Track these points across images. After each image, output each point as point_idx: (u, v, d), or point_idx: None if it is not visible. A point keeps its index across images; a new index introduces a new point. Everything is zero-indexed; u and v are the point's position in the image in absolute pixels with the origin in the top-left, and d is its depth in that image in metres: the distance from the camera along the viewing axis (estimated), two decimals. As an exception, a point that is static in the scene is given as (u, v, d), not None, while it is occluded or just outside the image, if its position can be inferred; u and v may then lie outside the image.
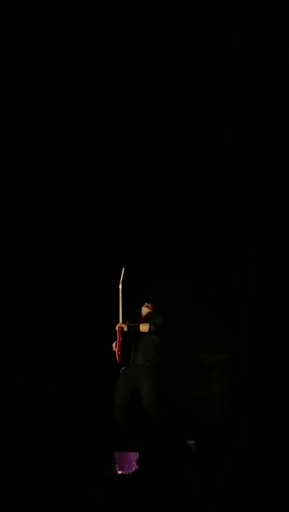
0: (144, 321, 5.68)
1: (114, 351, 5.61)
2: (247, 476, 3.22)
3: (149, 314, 5.76)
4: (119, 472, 4.96)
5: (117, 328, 5.63)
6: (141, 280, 6.22)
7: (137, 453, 4.65)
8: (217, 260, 6.54)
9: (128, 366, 5.59)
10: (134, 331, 5.62)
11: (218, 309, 6.53)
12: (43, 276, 6.48)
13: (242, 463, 3.34)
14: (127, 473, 4.89)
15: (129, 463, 4.95)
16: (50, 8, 5.65)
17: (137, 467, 4.10)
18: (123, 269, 5.75)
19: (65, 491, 3.15)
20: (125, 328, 5.62)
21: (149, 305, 5.82)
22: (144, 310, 5.81)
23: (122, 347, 5.58)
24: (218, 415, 6.19)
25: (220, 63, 5.27)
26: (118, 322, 5.65)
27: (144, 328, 5.60)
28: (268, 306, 4.80)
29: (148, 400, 5.40)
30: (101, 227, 6.69)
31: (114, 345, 5.64)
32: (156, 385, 5.47)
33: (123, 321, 5.65)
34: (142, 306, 5.84)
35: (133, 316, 5.78)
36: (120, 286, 5.70)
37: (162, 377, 5.56)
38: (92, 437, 5.17)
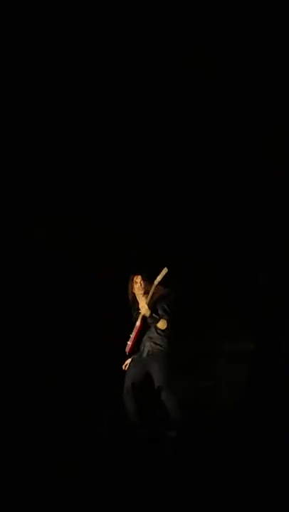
0: (153, 305, 5.58)
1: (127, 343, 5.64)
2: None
3: (155, 296, 5.60)
4: None
5: (140, 316, 5.61)
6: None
7: None
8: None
9: (139, 355, 5.63)
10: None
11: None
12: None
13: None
14: None
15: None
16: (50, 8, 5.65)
17: None
18: (165, 269, 5.50)
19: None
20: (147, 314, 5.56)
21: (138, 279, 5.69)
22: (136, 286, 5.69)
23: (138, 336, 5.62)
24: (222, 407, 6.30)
25: None
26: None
27: (145, 311, 5.54)
28: None
29: (160, 383, 5.44)
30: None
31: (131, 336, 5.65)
32: (168, 369, 5.52)
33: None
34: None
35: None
36: (155, 282, 5.50)
37: (173, 364, 5.58)
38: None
